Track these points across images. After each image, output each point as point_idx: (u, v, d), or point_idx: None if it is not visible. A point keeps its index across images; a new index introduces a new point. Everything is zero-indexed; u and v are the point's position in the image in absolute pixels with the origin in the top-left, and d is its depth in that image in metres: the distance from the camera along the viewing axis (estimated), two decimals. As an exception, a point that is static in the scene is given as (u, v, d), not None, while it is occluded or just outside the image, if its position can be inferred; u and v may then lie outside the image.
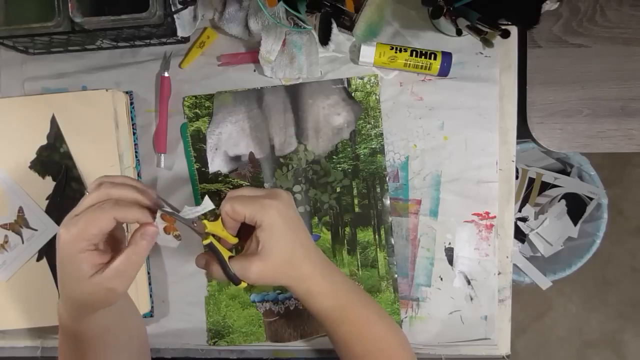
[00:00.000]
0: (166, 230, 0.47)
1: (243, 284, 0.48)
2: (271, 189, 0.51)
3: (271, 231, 0.47)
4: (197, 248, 0.66)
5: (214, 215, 0.50)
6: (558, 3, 0.65)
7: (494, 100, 0.66)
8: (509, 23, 0.56)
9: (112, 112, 0.64)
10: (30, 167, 0.65)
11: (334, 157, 0.67)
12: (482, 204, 0.66)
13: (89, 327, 0.47)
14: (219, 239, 0.49)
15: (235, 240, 0.51)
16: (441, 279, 0.67)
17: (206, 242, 0.47)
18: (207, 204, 0.46)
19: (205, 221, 0.48)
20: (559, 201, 1.24)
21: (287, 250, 0.48)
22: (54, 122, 0.64)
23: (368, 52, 0.64)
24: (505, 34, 0.52)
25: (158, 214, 0.45)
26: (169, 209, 0.46)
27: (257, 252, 0.48)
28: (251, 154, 0.67)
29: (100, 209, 0.42)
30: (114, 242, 0.47)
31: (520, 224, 1.25)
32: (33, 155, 0.65)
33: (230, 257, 0.48)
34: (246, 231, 0.51)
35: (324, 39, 0.64)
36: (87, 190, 0.53)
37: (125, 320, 0.53)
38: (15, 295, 0.65)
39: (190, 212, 0.46)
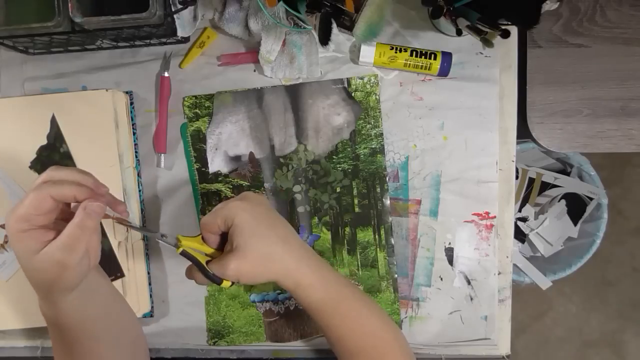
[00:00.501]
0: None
1: (226, 283, 0.49)
2: (242, 193, 0.53)
3: (242, 229, 0.49)
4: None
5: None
6: (558, 3, 0.65)
7: (494, 100, 0.66)
8: (509, 23, 0.56)
9: (112, 112, 0.64)
10: (30, 167, 0.65)
11: (334, 157, 0.67)
12: (482, 204, 0.66)
13: (65, 313, 0.47)
14: (206, 255, 0.52)
15: (216, 253, 0.52)
16: (441, 279, 0.67)
17: (179, 251, 0.49)
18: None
19: (179, 236, 0.51)
20: (559, 201, 1.24)
21: (262, 245, 0.49)
22: (54, 122, 0.64)
23: (368, 52, 0.64)
24: (505, 34, 0.52)
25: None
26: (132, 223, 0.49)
27: (231, 251, 0.49)
28: (251, 154, 0.67)
29: (37, 189, 0.43)
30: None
31: (520, 224, 1.25)
32: (33, 155, 0.65)
33: (208, 261, 0.50)
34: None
35: (324, 39, 0.64)
36: None
37: (111, 313, 0.53)
38: (16, 295, 0.65)
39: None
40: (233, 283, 0.50)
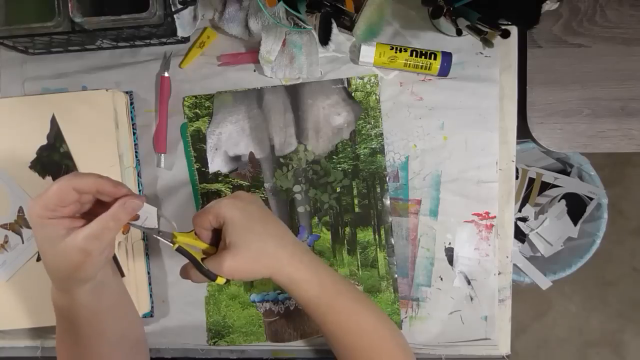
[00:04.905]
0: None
1: (220, 280, 0.50)
2: (234, 192, 0.54)
3: (234, 226, 0.49)
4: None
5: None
6: (558, 3, 0.65)
7: (494, 100, 0.66)
8: (509, 23, 0.56)
9: (112, 112, 0.64)
10: (30, 167, 0.65)
11: (334, 157, 0.67)
12: (482, 204, 0.66)
13: (78, 304, 0.48)
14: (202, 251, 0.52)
15: (209, 248, 0.53)
16: (441, 279, 0.67)
17: (174, 247, 0.50)
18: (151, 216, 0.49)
19: (175, 232, 0.51)
20: (559, 201, 1.24)
21: (255, 241, 0.50)
22: (54, 122, 0.64)
23: (368, 52, 0.64)
24: (505, 34, 0.52)
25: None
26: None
27: (225, 248, 0.49)
28: (251, 154, 0.67)
29: (60, 180, 0.44)
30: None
31: (520, 224, 1.25)
32: (33, 155, 0.65)
33: (203, 259, 0.50)
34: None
35: (324, 39, 0.64)
36: None
37: (119, 309, 0.54)
38: (16, 295, 0.65)
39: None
40: (228, 280, 0.50)
